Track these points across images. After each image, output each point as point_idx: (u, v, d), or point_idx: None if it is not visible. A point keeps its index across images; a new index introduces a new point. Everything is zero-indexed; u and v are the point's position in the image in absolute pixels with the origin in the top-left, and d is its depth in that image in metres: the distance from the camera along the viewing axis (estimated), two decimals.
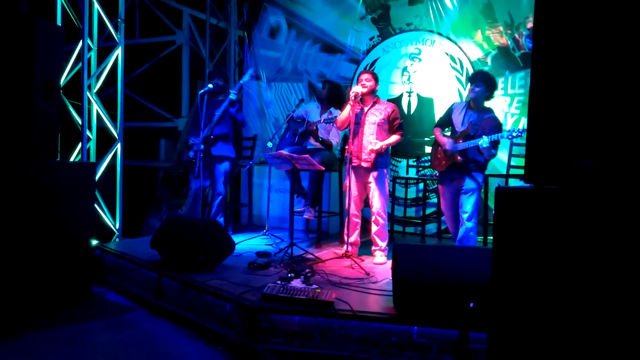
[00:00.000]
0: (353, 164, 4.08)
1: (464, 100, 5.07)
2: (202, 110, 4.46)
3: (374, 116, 4.09)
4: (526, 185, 1.91)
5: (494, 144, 3.78)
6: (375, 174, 4.11)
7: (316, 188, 4.52)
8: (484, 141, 3.67)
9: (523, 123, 4.86)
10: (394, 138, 4.11)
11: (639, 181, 1.65)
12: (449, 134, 4.16)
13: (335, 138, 4.71)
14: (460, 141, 3.88)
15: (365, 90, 4.05)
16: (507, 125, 4.95)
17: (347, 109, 4.08)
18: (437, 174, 4.24)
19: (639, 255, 1.62)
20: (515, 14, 5.01)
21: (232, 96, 4.63)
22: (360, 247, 4.34)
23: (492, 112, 3.96)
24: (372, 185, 4.12)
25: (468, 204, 3.89)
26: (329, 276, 3.50)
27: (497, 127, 3.81)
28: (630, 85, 1.68)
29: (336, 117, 4.35)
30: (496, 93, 4.10)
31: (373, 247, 4.22)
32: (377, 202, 4.12)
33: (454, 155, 3.91)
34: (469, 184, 3.90)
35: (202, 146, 4.49)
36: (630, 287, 1.63)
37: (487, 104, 4.03)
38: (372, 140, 4.05)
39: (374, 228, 4.19)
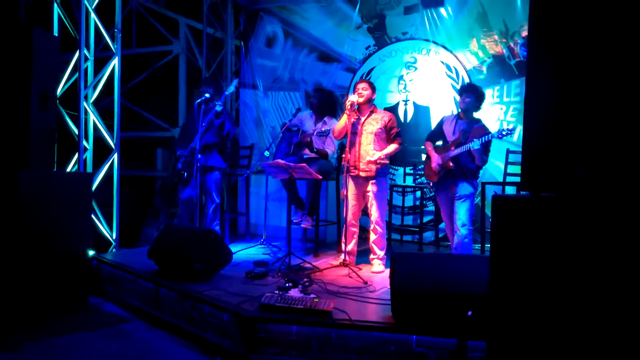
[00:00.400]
0: (351, 174, 4.08)
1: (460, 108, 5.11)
2: (199, 119, 4.46)
3: (371, 125, 4.10)
4: (523, 193, 1.92)
5: (485, 148, 3.85)
6: (374, 183, 4.11)
7: (313, 197, 4.51)
8: (475, 143, 3.77)
9: (519, 130, 4.89)
10: (392, 147, 4.12)
11: (635, 188, 1.66)
12: (440, 143, 4.22)
13: (330, 147, 4.71)
14: (452, 148, 3.94)
15: (361, 99, 4.06)
16: None
17: (344, 118, 4.08)
18: (432, 184, 4.30)
19: (636, 262, 1.62)
20: (510, 23, 5.06)
21: (218, 107, 4.59)
22: (358, 256, 4.33)
23: (481, 122, 4.05)
24: (371, 195, 4.12)
25: (461, 211, 3.93)
26: (327, 285, 3.49)
27: (486, 135, 3.87)
28: (625, 93, 1.69)
29: (330, 128, 4.35)
30: (492, 101, 4.17)
31: (371, 256, 4.21)
32: (375, 211, 4.11)
33: (446, 162, 3.97)
34: (462, 190, 3.95)
35: (199, 155, 4.48)
36: (628, 294, 1.63)
37: (477, 114, 4.10)
38: (369, 151, 4.06)
39: (372, 237, 4.18)
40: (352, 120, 4.07)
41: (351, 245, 4.17)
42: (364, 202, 4.24)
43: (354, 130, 4.09)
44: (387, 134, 4.12)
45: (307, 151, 4.76)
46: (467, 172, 3.97)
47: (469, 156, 3.92)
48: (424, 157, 5.35)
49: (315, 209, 4.58)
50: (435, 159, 4.10)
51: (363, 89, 4.10)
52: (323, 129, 4.37)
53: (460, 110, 4.14)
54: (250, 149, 5.94)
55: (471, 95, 4.00)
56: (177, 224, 4.71)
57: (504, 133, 3.68)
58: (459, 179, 3.97)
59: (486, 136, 3.75)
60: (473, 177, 4.00)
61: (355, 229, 4.24)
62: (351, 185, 4.14)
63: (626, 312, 1.63)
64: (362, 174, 4.09)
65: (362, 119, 4.13)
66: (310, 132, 4.59)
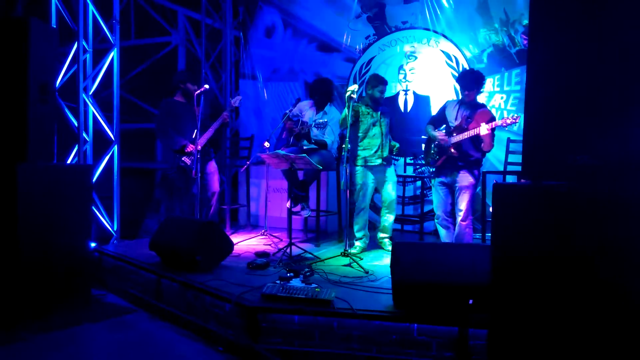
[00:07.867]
0: (369, 163, 4.34)
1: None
2: (198, 110, 4.45)
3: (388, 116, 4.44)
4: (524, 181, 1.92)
5: (492, 134, 3.79)
6: (389, 169, 4.44)
7: (307, 184, 4.56)
8: (482, 128, 3.70)
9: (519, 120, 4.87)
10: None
11: (635, 177, 1.66)
12: (443, 130, 4.16)
13: (330, 137, 4.70)
14: (455, 134, 3.89)
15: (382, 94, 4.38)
16: None
17: (351, 108, 4.14)
18: (433, 171, 4.23)
19: (637, 249, 1.62)
20: (510, 11, 5.03)
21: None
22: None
23: (485, 106, 3.98)
24: (387, 179, 4.43)
25: (463, 202, 3.90)
26: (328, 275, 3.50)
27: (491, 119, 3.83)
28: (625, 81, 1.69)
29: (328, 120, 4.53)
30: (492, 90, 4.12)
31: (382, 235, 4.52)
32: (393, 194, 4.45)
33: (448, 148, 3.92)
34: (463, 180, 3.90)
35: (199, 148, 4.47)
36: (628, 282, 1.64)
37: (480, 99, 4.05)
38: (390, 140, 4.46)
39: (390, 217, 4.47)
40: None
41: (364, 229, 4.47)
42: (375, 188, 4.50)
43: (374, 121, 4.34)
44: None
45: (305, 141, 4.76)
46: (470, 159, 3.91)
47: (471, 143, 3.85)
48: (424, 146, 5.34)
49: (306, 191, 4.60)
50: (439, 136, 4.06)
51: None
52: (322, 121, 4.41)
53: (463, 96, 4.02)
54: (250, 140, 5.93)
55: (472, 85, 3.89)
56: (178, 215, 4.72)
57: (508, 122, 3.61)
58: (460, 167, 3.93)
59: (492, 122, 3.69)
60: (476, 165, 3.94)
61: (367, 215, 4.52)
62: (367, 173, 4.38)
63: (627, 300, 1.64)
64: (382, 161, 4.37)
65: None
66: (309, 124, 4.61)
